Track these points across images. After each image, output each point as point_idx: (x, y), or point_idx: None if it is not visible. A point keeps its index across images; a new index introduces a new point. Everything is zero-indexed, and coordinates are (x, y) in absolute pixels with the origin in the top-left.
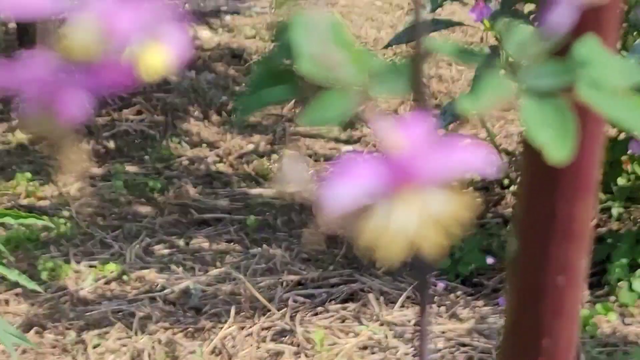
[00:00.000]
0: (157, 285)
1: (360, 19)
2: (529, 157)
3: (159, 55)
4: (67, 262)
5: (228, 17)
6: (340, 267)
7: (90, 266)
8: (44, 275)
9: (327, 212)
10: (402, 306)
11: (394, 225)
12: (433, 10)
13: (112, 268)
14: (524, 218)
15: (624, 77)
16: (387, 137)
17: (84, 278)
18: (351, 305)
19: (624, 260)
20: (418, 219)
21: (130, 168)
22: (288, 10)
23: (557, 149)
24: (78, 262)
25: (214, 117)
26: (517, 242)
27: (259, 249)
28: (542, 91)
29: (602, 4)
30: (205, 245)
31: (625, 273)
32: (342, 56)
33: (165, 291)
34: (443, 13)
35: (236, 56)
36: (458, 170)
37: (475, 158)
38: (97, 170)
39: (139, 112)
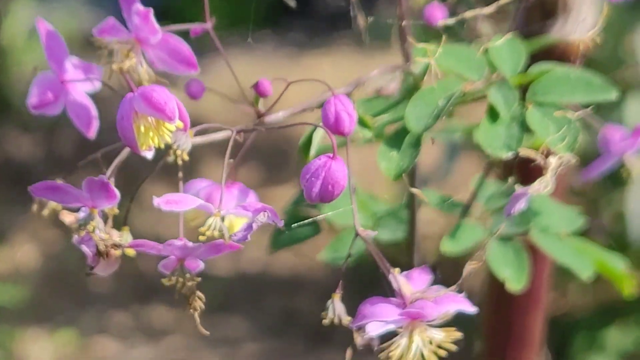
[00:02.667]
0: (113, 354)
1: None
2: (492, 282)
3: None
4: (20, 330)
5: None
6: (299, 338)
7: (44, 335)
8: None
9: (363, 337)
10: None
11: (407, 346)
12: None
13: (67, 337)
14: (488, 328)
15: (567, 224)
16: (401, 287)
17: (37, 347)
18: None
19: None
20: (422, 342)
21: None
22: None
23: (515, 282)
24: (31, 331)
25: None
26: (481, 346)
27: (217, 316)
28: (505, 236)
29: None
30: (163, 312)
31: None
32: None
33: None
34: None
35: None
36: (447, 310)
37: (458, 303)
38: (53, 236)
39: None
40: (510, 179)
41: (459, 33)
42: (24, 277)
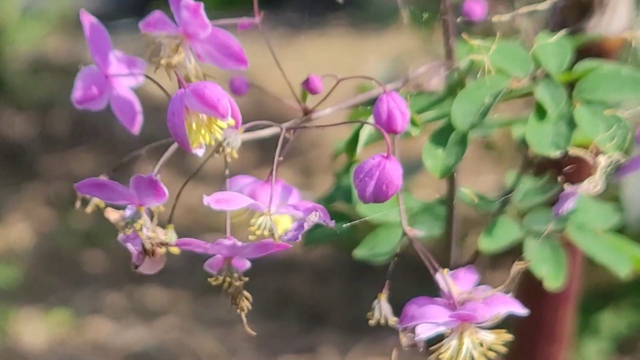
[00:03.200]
0: (106, 334)
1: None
2: (522, 276)
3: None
4: (14, 310)
5: None
6: (294, 319)
7: (38, 315)
8: None
9: (413, 338)
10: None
11: (457, 348)
12: None
13: (61, 317)
14: (518, 322)
15: (603, 221)
16: (448, 288)
17: (31, 327)
18: (304, 357)
19: None
20: (472, 344)
21: (81, 213)
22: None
23: (553, 280)
24: (25, 311)
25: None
26: (512, 340)
27: (210, 298)
28: (542, 232)
29: None
30: (155, 294)
31: None
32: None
33: (113, 341)
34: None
35: None
36: (498, 311)
37: (508, 304)
38: (47, 216)
39: (93, 155)
40: (547, 176)
41: (496, 28)
42: (17, 257)
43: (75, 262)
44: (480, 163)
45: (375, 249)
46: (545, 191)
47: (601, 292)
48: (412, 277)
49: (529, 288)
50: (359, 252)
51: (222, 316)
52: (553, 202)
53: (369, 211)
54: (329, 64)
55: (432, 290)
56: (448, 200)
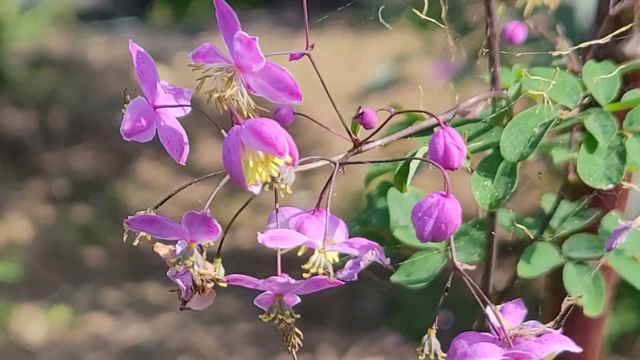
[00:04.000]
0: (106, 330)
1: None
2: (552, 299)
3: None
4: (15, 306)
5: None
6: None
7: (38, 311)
8: None
9: None
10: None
11: None
12: None
13: (61, 313)
14: None
15: None
16: (500, 323)
17: (32, 323)
18: (303, 356)
19: None
20: None
21: (82, 210)
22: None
23: (592, 308)
24: (26, 307)
25: (168, 159)
26: None
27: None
28: (580, 259)
29: None
30: (156, 291)
31: None
32: None
33: (114, 337)
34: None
35: None
36: (552, 349)
37: (562, 342)
38: (47, 212)
39: (93, 151)
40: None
41: (538, 54)
42: (18, 253)
43: (76, 259)
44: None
45: (413, 276)
46: (584, 217)
47: None
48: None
49: (559, 310)
50: (397, 278)
51: (222, 314)
52: (590, 228)
53: (405, 236)
54: (328, 63)
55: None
56: (488, 227)
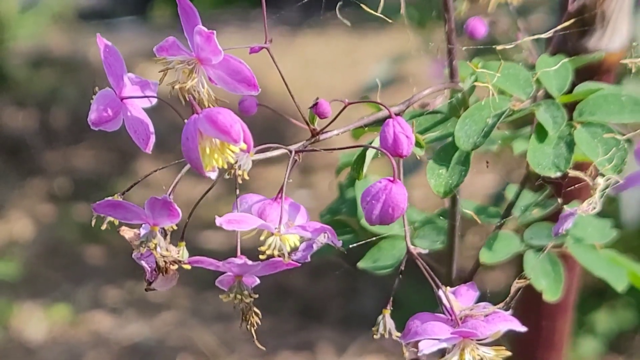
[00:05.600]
0: (107, 329)
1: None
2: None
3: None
4: (16, 304)
5: None
6: (291, 315)
7: (39, 309)
8: None
9: (415, 352)
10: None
11: None
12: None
13: (62, 311)
14: (517, 332)
15: (601, 236)
16: (450, 304)
17: (33, 322)
18: (302, 354)
19: None
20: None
21: (82, 208)
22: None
23: (551, 293)
24: (26, 305)
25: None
26: (510, 349)
27: (210, 293)
28: (541, 247)
29: None
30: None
31: None
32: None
33: (114, 335)
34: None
35: None
36: (498, 329)
37: (508, 322)
38: (48, 211)
39: (94, 150)
40: (546, 191)
41: (498, 49)
42: (19, 252)
43: (77, 257)
44: (480, 162)
45: (379, 262)
46: (545, 206)
47: (596, 291)
48: (415, 278)
49: (527, 299)
50: (363, 264)
51: (221, 312)
52: (552, 217)
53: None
54: (327, 63)
55: (433, 293)
56: (450, 215)
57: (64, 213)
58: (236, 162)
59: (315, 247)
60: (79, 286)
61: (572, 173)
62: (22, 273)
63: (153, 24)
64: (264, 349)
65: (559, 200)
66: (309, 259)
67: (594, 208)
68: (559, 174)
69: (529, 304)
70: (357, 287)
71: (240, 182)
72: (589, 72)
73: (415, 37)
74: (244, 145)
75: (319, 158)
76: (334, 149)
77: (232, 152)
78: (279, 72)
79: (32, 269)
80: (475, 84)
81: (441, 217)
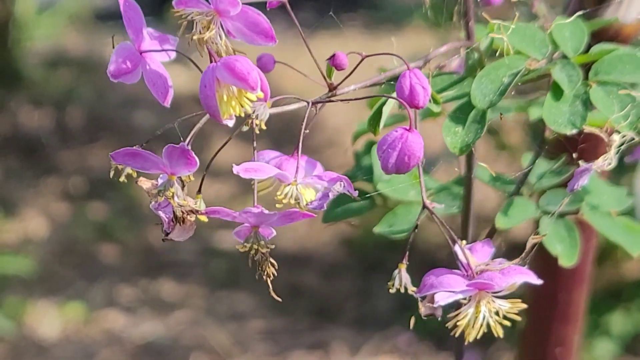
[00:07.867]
0: (121, 327)
1: None
2: (536, 257)
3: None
4: (30, 302)
5: None
6: (305, 314)
7: (53, 307)
8: (4, 315)
9: (431, 307)
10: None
11: (474, 316)
12: None
13: (76, 309)
14: (532, 303)
15: (616, 203)
16: (466, 259)
17: (47, 319)
18: (316, 353)
19: None
20: (488, 312)
21: (97, 207)
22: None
23: (567, 258)
24: (41, 303)
25: None
26: (526, 321)
27: (224, 292)
28: (558, 213)
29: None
30: (170, 288)
31: None
32: (408, 177)
33: (128, 334)
34: None
35: None
36: (514, 281)
37: (524, 274)
38: (63, 209)
39: (109, 149)
40: (564, 157)
41: (515, 11)
42: (34, 250)
43: (91, 256)
44: (496, 153)
45: (395, 226)
46: (561, 173)
47: (611, 293)
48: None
49: (543, 270)
50: (379, 229)
51: (235, 311)
52: (567, 184)
53: (389, 189)
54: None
55: None
56: (466, 178)
57: (78, 212)
58: (254, 112)
59: (331, 196)
60: (93, 284)
61: (587, 129)
62: (37, 271)
63: (169, 25)
64: (280, 300)
65: (574, 156)
66: (324, 207)
67: (609, 164)
68: (575, 131)
69: (544, 277)
70: (371, 288)
71: (257, 132)
72: (605, 41)
73: (432, 38)
74: (261, 94)
75: (337, 159)
76: (350, 100)
77: (250, 100)
78: (307, 48)
79: (46, 267)
80: (491, 35)
81: (457, 184)
